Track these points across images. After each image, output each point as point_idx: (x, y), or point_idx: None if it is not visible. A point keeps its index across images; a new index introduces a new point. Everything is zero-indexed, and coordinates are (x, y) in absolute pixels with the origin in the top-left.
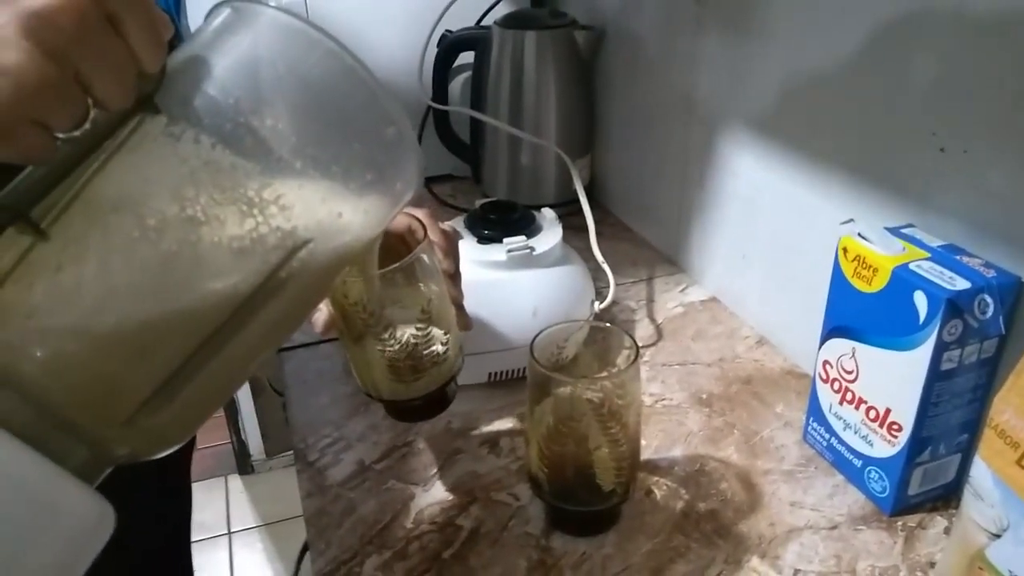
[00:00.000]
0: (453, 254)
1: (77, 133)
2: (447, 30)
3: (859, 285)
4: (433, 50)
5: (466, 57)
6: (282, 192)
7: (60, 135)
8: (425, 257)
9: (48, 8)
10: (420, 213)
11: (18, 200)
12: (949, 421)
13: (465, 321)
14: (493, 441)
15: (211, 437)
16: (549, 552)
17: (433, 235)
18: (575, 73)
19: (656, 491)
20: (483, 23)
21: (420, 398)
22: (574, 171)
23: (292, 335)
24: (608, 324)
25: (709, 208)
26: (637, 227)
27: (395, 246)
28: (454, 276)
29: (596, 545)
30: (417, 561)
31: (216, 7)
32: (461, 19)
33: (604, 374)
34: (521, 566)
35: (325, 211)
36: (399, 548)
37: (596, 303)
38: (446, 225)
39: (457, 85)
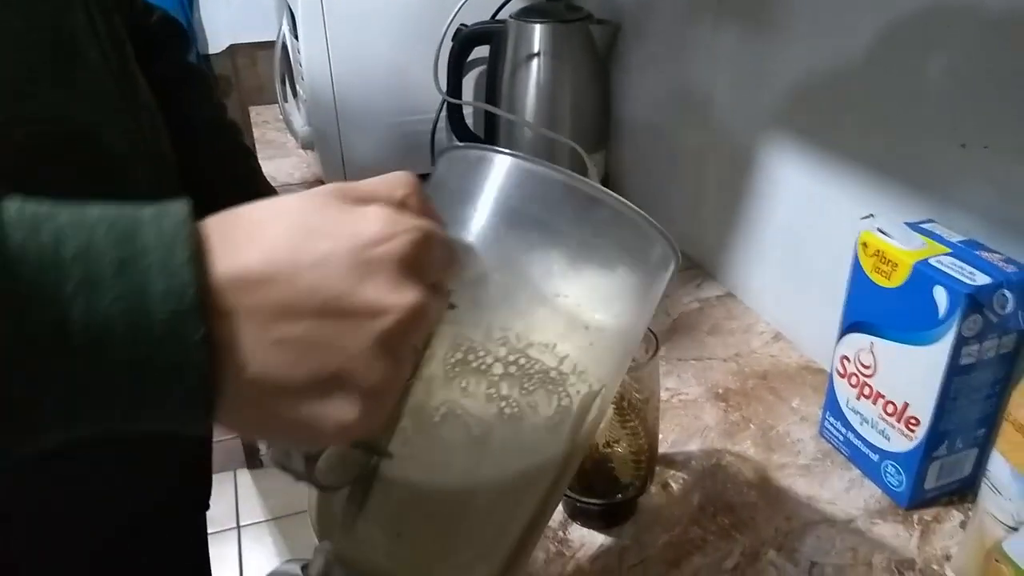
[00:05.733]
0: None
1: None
2: (462, 24)
3: (879, 280)
4: (448, 44)
5: (481, 51)
6: (577, 360)
7: None
8: None
9: (398, 327)
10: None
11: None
12: (967, 416)
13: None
14: None
15: (220, 432)
16: (567, 544)
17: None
18: (591, 67)
19: (673, 484)
20: (498, 17)
21: None
22: (590, 165)
23: None
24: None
25: (726, 203)
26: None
27: None
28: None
29: (614, 538)
30: None
31: (464, 150)
32: (476, 13)
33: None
34: (539, 558)
35: (610, 360)
36: None
37: None
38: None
39: (471, 79)
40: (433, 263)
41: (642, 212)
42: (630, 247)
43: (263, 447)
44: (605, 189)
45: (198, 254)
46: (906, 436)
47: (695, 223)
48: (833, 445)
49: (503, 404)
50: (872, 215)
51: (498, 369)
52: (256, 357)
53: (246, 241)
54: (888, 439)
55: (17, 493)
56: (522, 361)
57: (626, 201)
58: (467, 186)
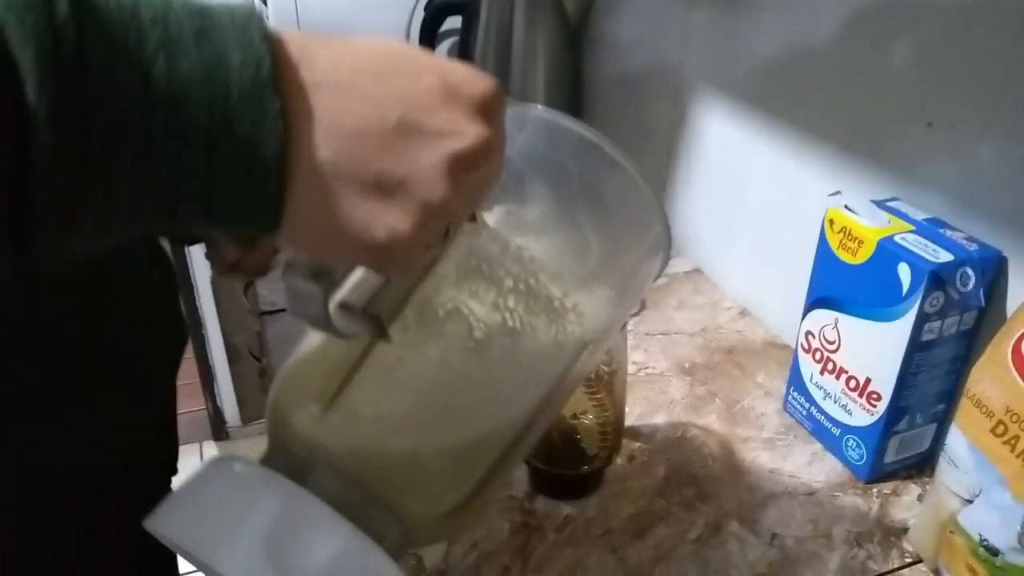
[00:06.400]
0: None
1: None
2: None
3: (844, 257)
4: (420, 14)
5: (453, 22)
6: (579, 300)
7: None
8: None
9: (468, 151)
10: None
11: (376, 307)
12: (927, 391)
13: None
14: None
15: (186, 403)
16: (532, 515)
17: None
18: (563, 39)
19: (639, 457)
20: None
21: None
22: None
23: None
24: None
25: (695, 180)
26: None
27: None
28: None
29: (579, 508)
30: None
31: (522, 110)
32: None
33: None
34: (504, 528)
35: (605, 315)
36: None
37: None
38: None
39: (443, 51)
40: (501, 122)
41: (652, 191)
42: (637, 220)
43: (229, 419)
44: (626, 159)
45: (272, 38)
46: (867, 411)
47: (664, 199)
48: (796, 420)
49: (508, 315)
50: (839, 192)
51: (508, 283)
52: (330, 143)
53: (327, 47)
54: (850, 414)
55: None
56: (531, 282)
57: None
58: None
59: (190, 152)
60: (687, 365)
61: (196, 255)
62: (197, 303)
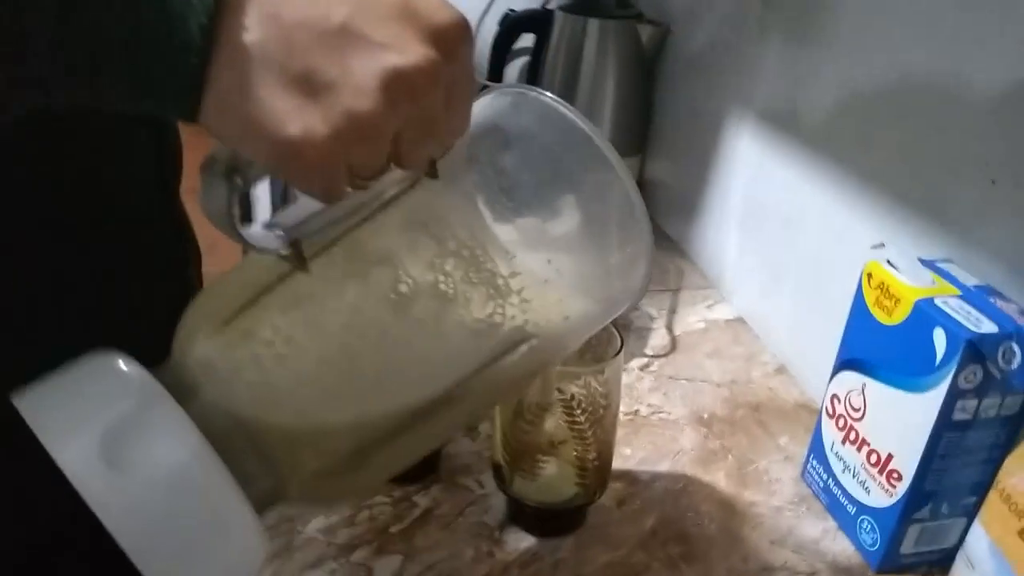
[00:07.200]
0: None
1: (366, 185)
2: (510, 9)
3: (879, 315)
4: (490, 28)
5: (528, 40)
6: (527, 285)
7: (355, 181)
8: None
9: (408, 69)
10: None
11: (299, 233)
12: (957, 479)
13: None
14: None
15: None
16: (500, 545)
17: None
18: (635, 68)
19: (628, 503)
20: (549, 6)
21: None
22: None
23: (475, 424)
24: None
25: (749, 223)
26: (677, 236)
27: None
28: None
29: (551, 547)
30: (362, 530)
31: (503, 90)
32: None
33: (581, 366)
34: (467, 554)
35: (557, 312)
36: (348, 514)
37: None
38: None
39: (515, 68)
40: (465, 72)
41: (642, 202)
42: (617, 238)
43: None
44: (619, 161)
45: None
46: (886, 491)
47: (717, 241)
48: (813, 491)
49: (441, 278)
50: (883, 244)
51: (452, 245)
52: (263, 28)
53: None
54: (868, 492)
55: None
56: (478, 252)
57: (631, 181)
58: (503, 119)
59: (118, 8)
60: (705, 416)
61: None
62: None
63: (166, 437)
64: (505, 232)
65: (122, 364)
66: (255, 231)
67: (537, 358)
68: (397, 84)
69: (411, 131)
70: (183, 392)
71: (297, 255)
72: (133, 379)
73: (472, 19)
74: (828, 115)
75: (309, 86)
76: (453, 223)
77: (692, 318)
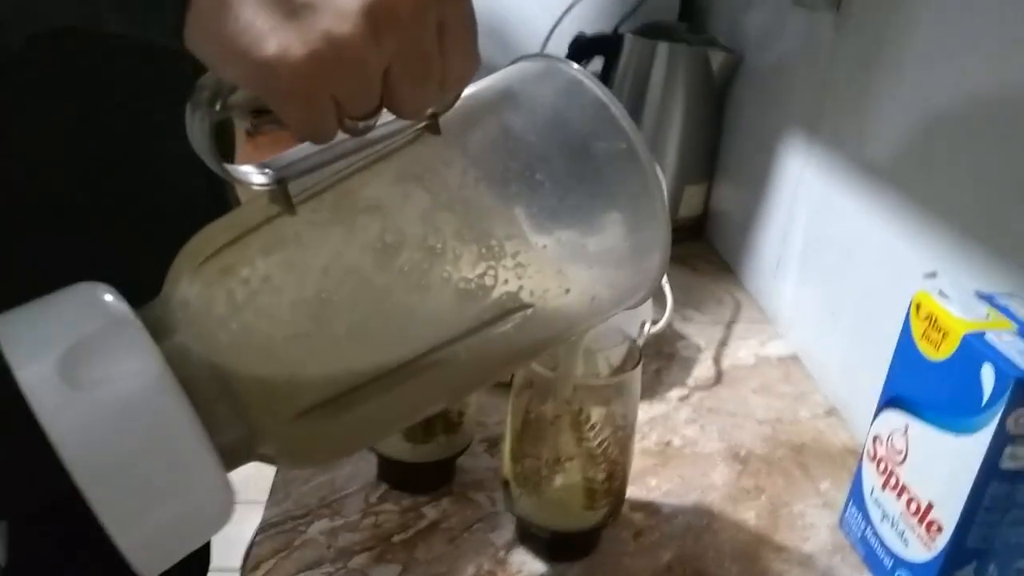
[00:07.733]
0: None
1: (360, 126)
2: (581, 32)
3: (925, 350)
4: (557, 47)
5: (597, 63)
6: (522, 249)
7: (345, 122)
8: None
9: None
10: None
11: (282, 169)
12: (1007, 538)
13: None
14: (494, 441)
15: None
16: (503, 566)
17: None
18: (703, 95)
19: (647, 535)
20: (620, 30)
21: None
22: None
23: (465, 396)
24: (633, 340)
25: (808, 255)
26: (736, 267)
27: None
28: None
29: (556, 573)
30: (365, 536)
31: (525, 57)
32: (598, 23)
33: (595, 378)
34: (467, 572)
35: (556, 283)
36: (353, 519)
37: (648, 325)
38: None
39: None
40: (461, 13)
41: (663, 192)
42: (628, 213)
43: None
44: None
45: None
46: (925, 544)
47: (777, 274)
48: (850, 541)
49: (431, 233)
50: (935, 273)
51: (444, 199)
52: None
53: None
54: (906, 544)
55: None
56: (472, 208)
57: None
58: (518, 84)
59: None
60: (742, 453)
61: None
62: None
63: (128, 360)
64: (509, 194)
65: (100, 292)
66: (240, 166)
67: (533, 333)
68: (380, 10)
69: (401, 68)
70: (161, 329)
71: (283, 194)
72: (107, 305)
73: (538, 39)
74: (893, 142)
75: (289, 6)
76: (449, 177)
77: (743, 352)
